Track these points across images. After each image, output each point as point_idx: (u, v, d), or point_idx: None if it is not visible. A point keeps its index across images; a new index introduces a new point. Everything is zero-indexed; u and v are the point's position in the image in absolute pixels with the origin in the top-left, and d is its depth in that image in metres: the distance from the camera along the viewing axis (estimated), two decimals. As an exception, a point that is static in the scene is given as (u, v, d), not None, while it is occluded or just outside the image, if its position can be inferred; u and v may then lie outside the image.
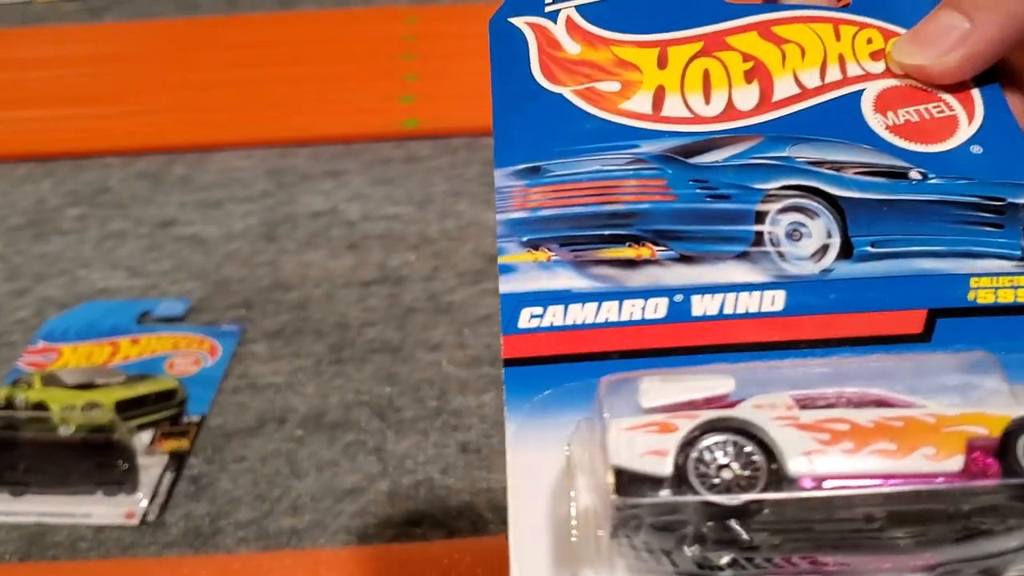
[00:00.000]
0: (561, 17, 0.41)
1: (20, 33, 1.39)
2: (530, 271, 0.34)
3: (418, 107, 1.15)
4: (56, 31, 1.39)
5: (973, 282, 0.34)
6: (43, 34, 1.39)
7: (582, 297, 0.34)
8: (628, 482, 0.28)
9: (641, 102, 0.39)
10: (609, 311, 0.33)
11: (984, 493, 0.27)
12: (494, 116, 0.39)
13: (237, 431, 0.78)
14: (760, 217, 0.35)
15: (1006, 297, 0.34)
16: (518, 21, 0.41)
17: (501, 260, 0.35)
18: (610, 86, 0.39)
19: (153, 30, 1.36)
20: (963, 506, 0.27)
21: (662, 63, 0.40)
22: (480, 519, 0.70)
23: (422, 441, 0.76)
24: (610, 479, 0.28)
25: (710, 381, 0.30)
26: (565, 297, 0.34)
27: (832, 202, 0.35)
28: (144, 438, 0.78)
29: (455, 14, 1.31)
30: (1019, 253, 0.34)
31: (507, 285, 0.34)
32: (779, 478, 0.27)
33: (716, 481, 0.28)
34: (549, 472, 0.31)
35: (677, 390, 0.30)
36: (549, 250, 0.35)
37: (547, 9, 0.41)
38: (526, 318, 0.33)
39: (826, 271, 0.34)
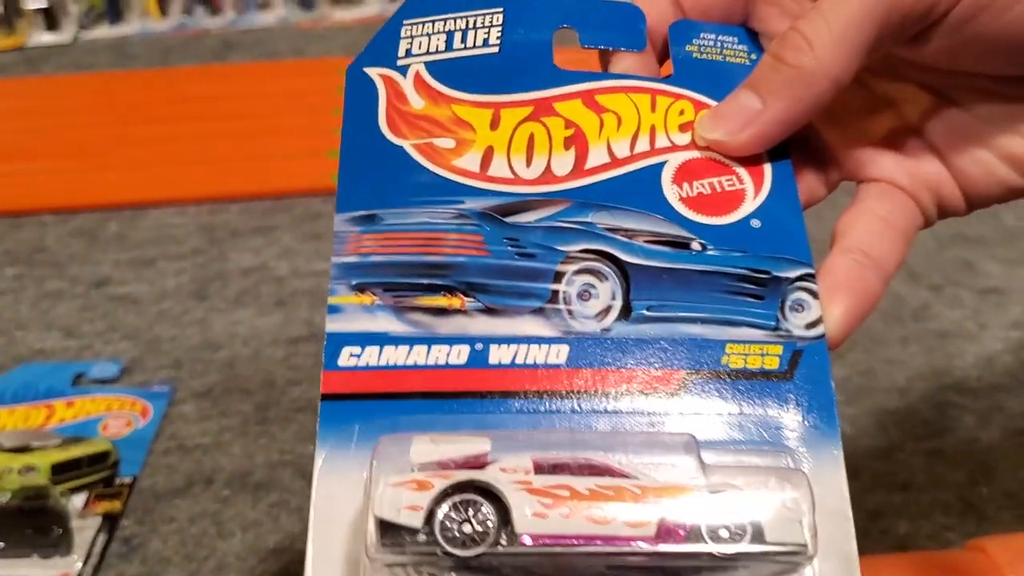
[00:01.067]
0: (411, 72, 0.44)
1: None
2: (355, 313, 0.38)
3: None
4: (-7, 84, 1.42)
5: (728, 348, 0.38)
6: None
7: (396, 340, 0.38)
8: (387, 531, 0.33)
9: (471, 160, 0.42)
10: (418, 354, 0.37)
11: (673, 554, 0.33)
12: (340, 163, 0.42)
13: (167, 492, 0.82)
14: (558, 277, 0.39)
15: (754, 363, 0.38)
16: (372, 72, 0.44)
17: (331, 300, 0.38)
18: (446, 143, 0.42)
19: (89, 83, 1.40)
20: (662, 563, 0.33)
21: (495, 124, 0.43)
22: None
23: (343, 499, 0.80)
24: (372, 528, 0.33)
25: (470, 443, 0.35)
26: (382, 340, 0.38)
27: (620, 267, 0.39)
28: (77, 501, 0.81)
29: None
30: (773, 323, 0.38)
31: (333, 325, 0.38)
32: (507, 534, 0.33)
33: (456, 534, 0.33)
34: (348, 502, 0.35)
35: (441, 450, 0.34)
36: (374, 294, 0.38)
37: (399, 63, 0.44)
38: (346, 356, 0.37)
39: (606, 330, 0.38)
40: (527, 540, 0.33)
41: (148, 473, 0.84)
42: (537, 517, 0.33)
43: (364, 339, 0.38)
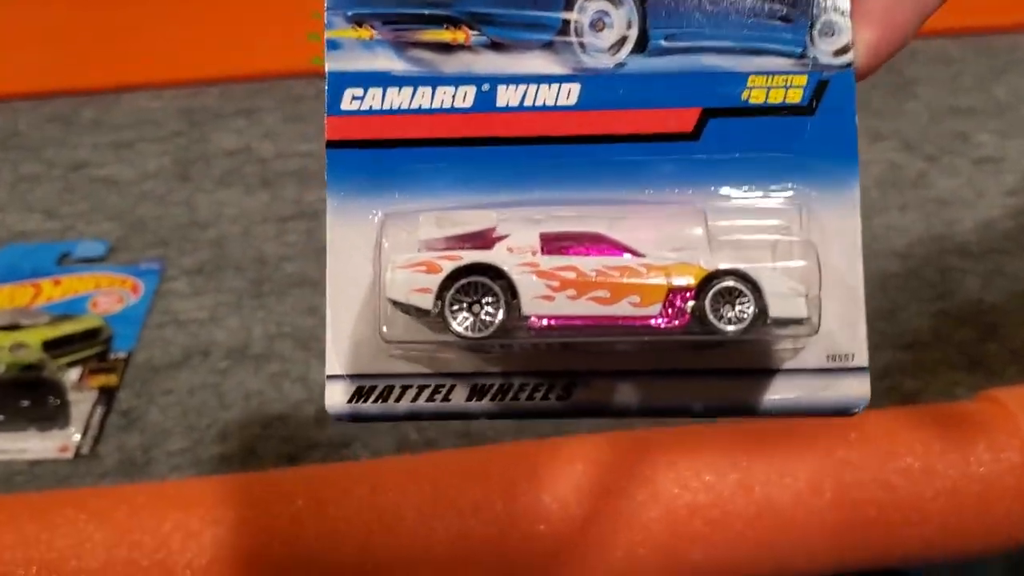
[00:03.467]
0: None
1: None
2: (354, 49, 0.36)
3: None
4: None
5: (750, 81, 0.36)
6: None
7: (399, 81, 0.36)
8: (400, 309, 0.34)
9: None
10: (423, 97, 0.36)
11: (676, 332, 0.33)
12: None
13: (163, 365, 0.81)
14: (569, 3, 0.36)
15: (776, 97, 0.36)
16: None
17: (328, 35, 0.36)
18: None
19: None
20: (666, 341, 0.34)
21: None
22: (405, 439, 0.73)
23: (345, 368, 0.79)
24: (385, 311, 0.34)
25: (476, 218, 0.35)
26: (384, 80, 0.36)
27: None
28: (73, 375, 0.80)
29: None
30: (800, 50, 0.36)
31: (333, 63, 0.36)
32: (515, 316, 0.33)
33: (466, 315, 0.33)
34: (361, 249, 0.35)
35: (447, 225, 0.34)
36: (372, 27, 0.36)
37: None
38: (348, 99, 0.36)
39: (620, 65, 0.36)
40: (535, 323, 0.33)
41: (143, 347, 0.83)
42: (543, 300, 0.33)
43: (365, 79, 0.36)
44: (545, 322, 0.33)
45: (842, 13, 0.36)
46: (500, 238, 0.35)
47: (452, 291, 0.33)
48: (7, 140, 1.08)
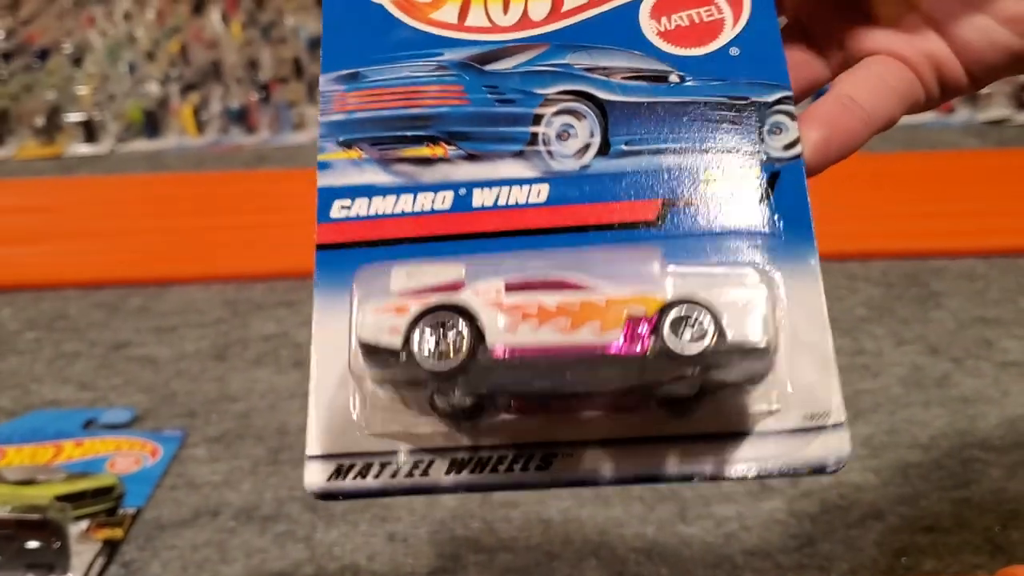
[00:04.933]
0: None
1: (-4, 183, 1.45)
2: (343, 168, 0.39)
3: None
4: (28, 183, 1.46)
5: (706, 174, 0.38)
6: (16, 185, 1.46)
7: (383, 191, 0.39)
8: (371, 353, 0.35)
9: (449, 12, 0.42)
10: (405, 203, 0.38)
11: (636, 359, 0.34)
12: (324, 25, 0.42)
13: (171, 523, 0.81)
14: (537, 119, 0.40)
15: (732, 187, 0.38)
16: None
17: (320, 158, 0.39)
18: None
19: (122, 184, 1.43)
20: (627, 368, 0.34)
21: None
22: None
23: (351, 531, 0.78)
24: (356, 350, 0.35)
25: (445, 269, 0.36)
26: (370, 191, 0.39)
27: (599, 105, 0.40)
28: (80, 526, 0.79)
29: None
30: (751, 148, 0.39)
31: (324, 180, 0.39)
32: (480, 348, 0.34)
33: (432, 350, 0.34)
34: (343, 337, 0.36)
35: (418, 276, 0.36)
36: (360, 149, 0.39)
37: None
38: (337, 208, 0.38)
39: (585, 167, 0.39)
40: (499, 352, 0.33)
41: (154, 505, 0.83)
42: (507, 331, 0.34)
43: (353, 191, 0.39)
44: (509, 352, 0.34)
45: (789, 115, 0.39)
46: (466, 286, 0.36)
47: (419, 327, 0.34)
48: (54, 322, 1.12)
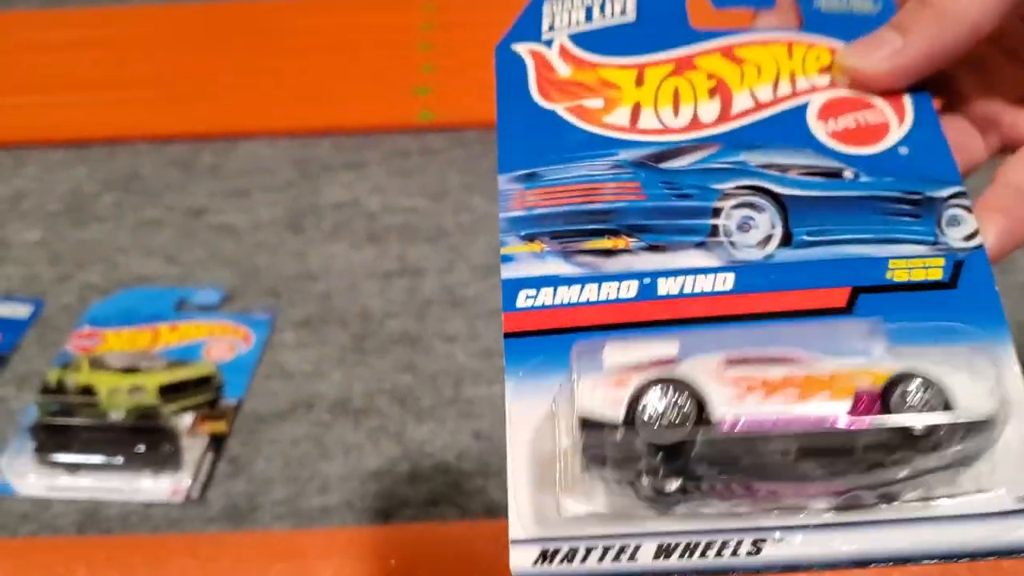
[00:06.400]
0: (555, 44, 0.47)
1: (49, 15, 1.44)
2: (526, 260, 0.40)
3: (433, 99, 1.22)
4: (85, 13, 1.44)
5: (891, 263, 0.40)
6: (72, 16, 1.44)
7: (568, 281, 0.40)
8: (591, 427, 0.35)
9: (621, 116, 0.44)
10: (590, 292, 0.39)
11: (868, 432, 0.34)
12: (498, 129, 0.44)
13: (270, 415, 0.86)
14: (716, 212, 0.41)
15: (918, 276, 0.39)
16: (519, 48, 0.47)
17: (503, 251, 0.40)
18: (595, 103, 0.45)
19: (180, 13, 1.42)
20: (855, 442, 0.34)
21: (639, 82, 0.45)
22: (492, 503, 0.77)
23: (439, 428, 0.84)
24: (577, 425, 0.35)
25: (660, 346, 0.37)
26: (554, 281, 0.40)
27: (777, 199, 0.41)
28: (185, 421, 0.85)
29: (472, 3, 1.37)
30: (932, 239, 0.40)
31: (507, 272, 0.40)
32: (706, 421, 0.34)
33: (656, 425, 0.35)
34: (538, 421, 0.37)
35: (633, 352, 0.37)
36: (542, 242, 0.40)
37: (544, 37, 0.47)
38: (523, 298, 0.39)
39: (769, 256, 0.40)
40: (727, 423, 0.34)
41: (251, 396, 0.88)
42: (733, 401, 0.34)
43: (537, 282, 0.40)
44: (738, 423, 0.34)
45: (965, 208, 0.40)
46: (683, 361, 0.37)
47: (642, 400, 0.35)
48: (130, 183, 1.15)
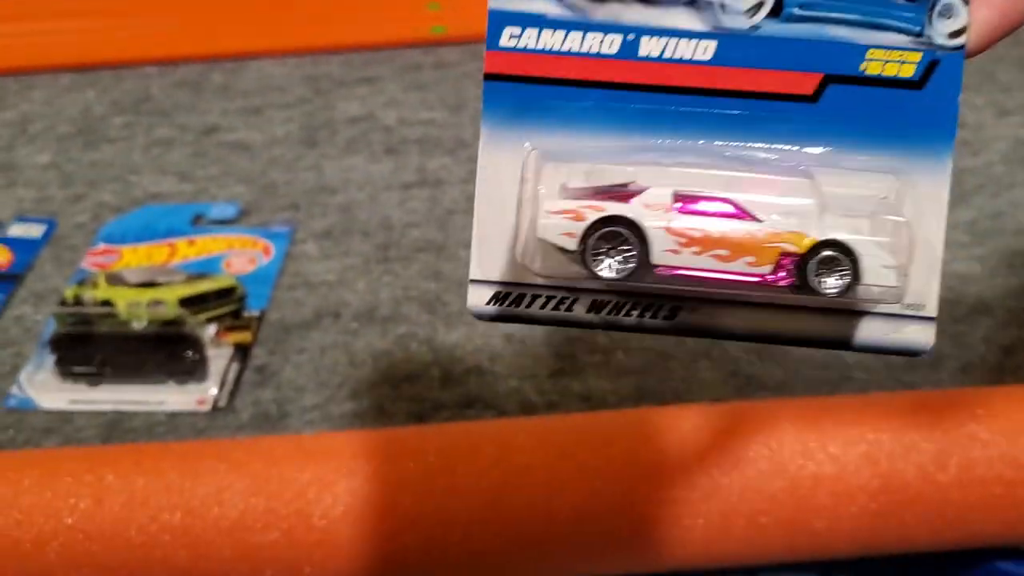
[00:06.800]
0: None
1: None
2: None
3: (445, 14, 1.19)
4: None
5: (869, 54, 0.39)
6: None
7: (553, 24, 0.39)
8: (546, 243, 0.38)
9: None
10: (573, 41, 0.39)
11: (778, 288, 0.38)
12: None
13: (296, 324, 0.84)
14: None
15: (891, 70, 0.39)
16: None
17: None
18: None
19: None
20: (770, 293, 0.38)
21: None
22: (527, 402, 0.75)
23: (470, 332, 0.82)
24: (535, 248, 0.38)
25: (618, 174, 0.39)
26: (540, 21, 0.39)
27: None
28: (209, 331, 0.83)
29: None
30: (918, 28, 0.39)
31: (495, 3, 0.39)
32: (646, 262, 0.38)
33: (605, 259, 0.38)
34: (507, 176, 0.39)
35: (593, 180, 0.39)
36: None
37: None
38: (506, 37, 0.39)
39: (754, 28, 0.39)
40: (661, 272, 0.38)
41: (275, 307, 0.86)
42: (671, 253, 0.37)
43: (523, 19, 0.39)
44: (670, 272, 0.38)
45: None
46: (638, 192, 0.39)
47: (594, 238, 0.38)
48: (140, 105, 1.12)
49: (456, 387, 0.77)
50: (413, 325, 0.83)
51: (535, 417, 0.72)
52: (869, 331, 0.40)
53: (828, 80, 0.39)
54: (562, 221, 0.38)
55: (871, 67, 0.39)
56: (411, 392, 0.77)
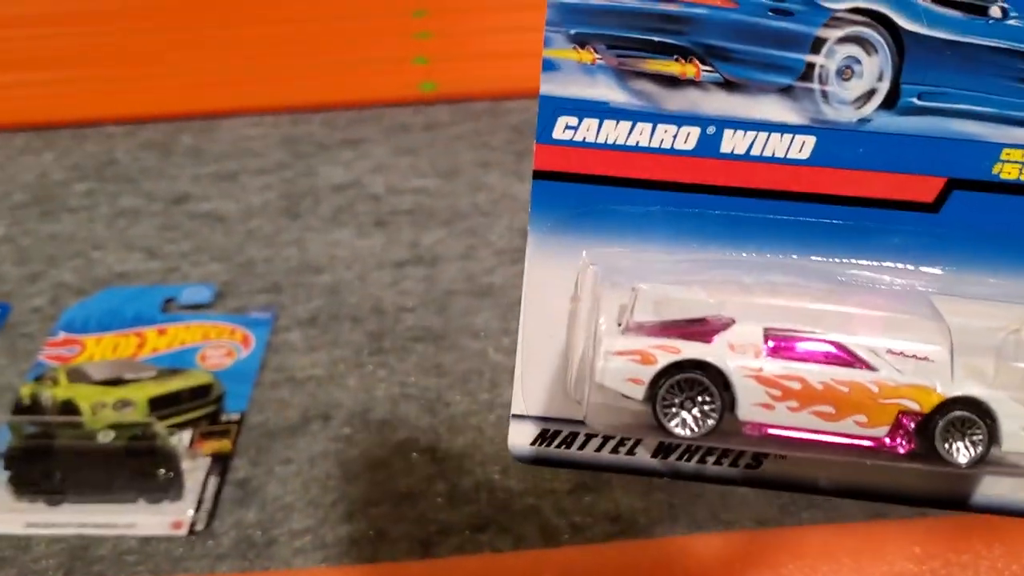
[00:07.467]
0: None
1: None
2: (572, 72, 0.34)
3: (434, 69, 1.11)
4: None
5: (1004, 153, 0.33)
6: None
7: (617, 113, 0.34)
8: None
9: None
10: (641, 134, 0.34)
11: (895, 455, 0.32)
12: None
13: (280, 430, 0.75)
14: (817, 45, 0.33)
15: None
16: None
17: (546, 53, 0.34)
18: None
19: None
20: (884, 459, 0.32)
21: None
22: (548, 525, 0.67)
23: (477, 438, 0.73)
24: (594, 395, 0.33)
25: (697, 306, 0.33)
26: (602, 110, 0.34)
27: (896, 36, 0.33)
28: (183, 439, 0.74)
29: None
30: None
31: (548, 85, 0.34)
32: (731, 417, 0.32)
33: (678, 411, 0.32)
34: (557, 294, 0.34)
35: (665, 308, 0.33)
36: (594, 50, 0.33)
37: None
38: (561, 128, 0.34)
39: (863, 120, 0.33)
40: (749, 431, 0.32)
41: (257, 408, 0.77)
42: (763, 408, 0.32)
43: (582, 107, 0.34)
44: (762, 431, 0.32)
45: None
46: (720, 328, 0.33)
47: (666, 386, 0.32)
48: (103, 169, 1.03)
49: (465, 505, 0.69)
50: (413, 430, 0.74)
51: (560, 548, 0.63)
52: (993, 489, 0.33)
53: (953, 185, 0.33)
54: (627, 364, 0.32)
55: (1006, 170, 0.33)
56: (414, 512, 0.68)
